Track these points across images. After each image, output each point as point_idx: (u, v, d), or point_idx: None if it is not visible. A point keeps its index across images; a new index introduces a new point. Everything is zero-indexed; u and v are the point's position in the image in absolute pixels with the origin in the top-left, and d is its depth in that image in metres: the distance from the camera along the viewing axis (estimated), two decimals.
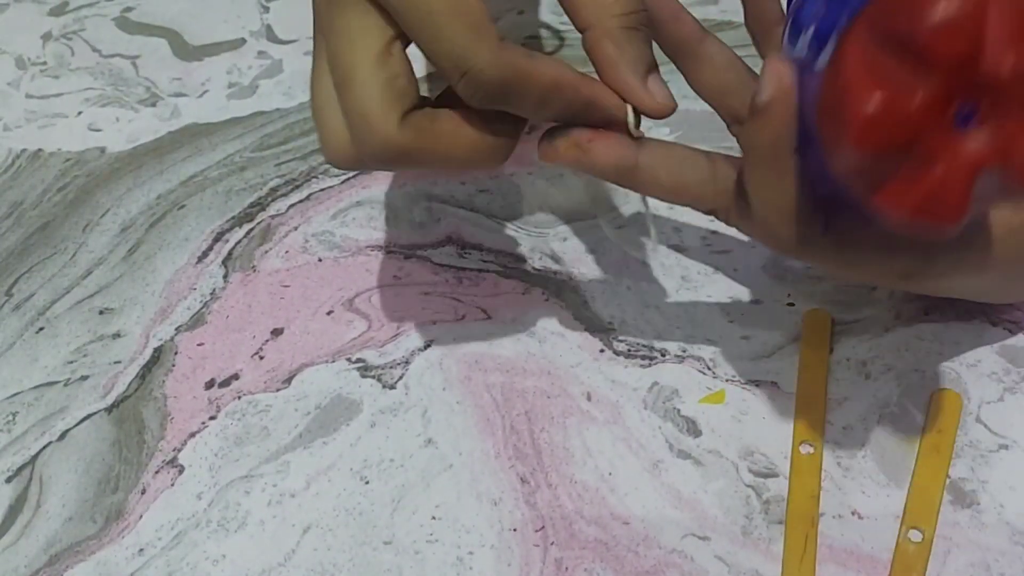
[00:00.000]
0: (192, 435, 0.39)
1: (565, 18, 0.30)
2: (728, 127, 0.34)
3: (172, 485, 0.37)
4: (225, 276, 0.45)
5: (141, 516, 0.37)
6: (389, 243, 0.46)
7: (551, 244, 0.45)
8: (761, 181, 0.29)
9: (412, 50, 0.28)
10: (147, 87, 0.55)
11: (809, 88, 0.27)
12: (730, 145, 0.34)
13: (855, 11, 0.24)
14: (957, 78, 0.23)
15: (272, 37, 0.58)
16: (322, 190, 0.48)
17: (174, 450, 0.39)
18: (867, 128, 0.23)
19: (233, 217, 0.47)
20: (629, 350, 0.40)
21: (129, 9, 0.60)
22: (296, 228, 0.47)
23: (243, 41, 0.57)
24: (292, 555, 0.35)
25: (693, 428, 0.38)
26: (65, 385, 0.41)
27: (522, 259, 0.44)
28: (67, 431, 0.40)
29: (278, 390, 0.40)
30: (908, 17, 0.23)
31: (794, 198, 0.29)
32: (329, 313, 0.43)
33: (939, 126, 0.24)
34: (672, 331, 0.41)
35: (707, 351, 0.40)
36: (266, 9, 0.60)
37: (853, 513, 0.35)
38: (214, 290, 0.44)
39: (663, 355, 0.40)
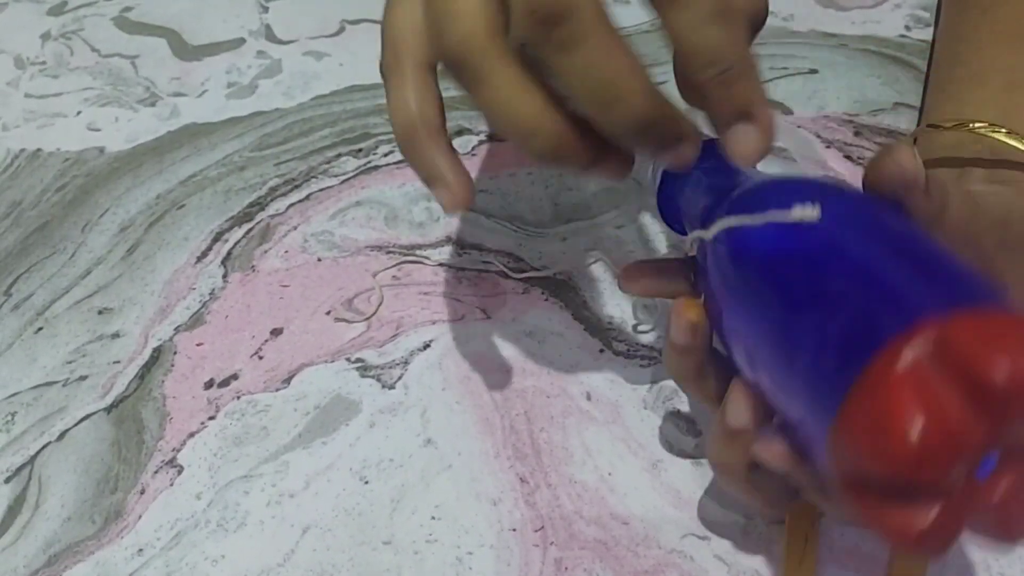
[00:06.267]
0: (191, 435, 0.39)
1: None
2: None
3: (171, 485, 0.37)
4: (224, 276, 0.45)
5: (140, 516, 0.37)
6: (389, 243, 0.46)
7: (551, 244, 0.45)
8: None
9: None
10: (146, 87, 0.55)
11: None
12: None
13: (905, 322, 0.22)
14: (1008, 427, 0.21)
15: (271, 37, 0.57)
16: (321, 190, 0.48)
17: (173, 450, 0.38)
18: (918, 455, 0.21)
19: (232, 217, 0.47)
20: (629, 350, 0.40)
21: (128, 9, 0.60)
22: (295, 228, 0.47)
23: (242, 41, 0.57)
24: (291, 555, 0.35)
25: (693, 428, 0.38)
26: (64, 385, 0.41)
27: (522, 259, 0.44)
28: (66, 431, 0.39)
29: (277, 390, 0.40)
30: (989, 351, 0.20)
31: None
32: (328, 313, 0.43)
33: (971, 470, 0.22)
34: None
35: None
36: (265, 9, 0.60)
37: None
38: (213, 290, 0.44)
39: (663, 355, 0.40)
